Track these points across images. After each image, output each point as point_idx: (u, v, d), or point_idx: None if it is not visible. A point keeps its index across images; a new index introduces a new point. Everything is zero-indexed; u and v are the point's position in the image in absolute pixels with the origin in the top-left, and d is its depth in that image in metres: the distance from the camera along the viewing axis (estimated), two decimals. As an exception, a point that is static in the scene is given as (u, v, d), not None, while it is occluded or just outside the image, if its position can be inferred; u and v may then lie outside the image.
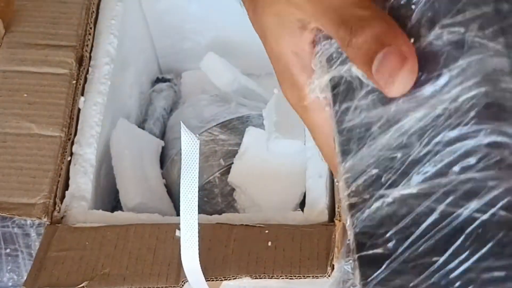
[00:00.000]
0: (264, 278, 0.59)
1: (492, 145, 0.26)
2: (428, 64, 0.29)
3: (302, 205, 0.74)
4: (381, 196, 0.30)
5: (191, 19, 0.90)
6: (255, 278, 0.59)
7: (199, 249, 0.60)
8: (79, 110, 0.73)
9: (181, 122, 0.55)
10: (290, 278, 0.59)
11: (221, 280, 0.60)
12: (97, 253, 0.63)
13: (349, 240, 0.71)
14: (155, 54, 0.95)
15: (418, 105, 0.29)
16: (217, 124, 0.79)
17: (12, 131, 0.70)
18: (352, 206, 0.32)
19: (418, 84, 0.29)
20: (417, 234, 0.28)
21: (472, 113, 0.27)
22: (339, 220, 0.64)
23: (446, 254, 0.27)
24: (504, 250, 0.26)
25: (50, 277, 0.62)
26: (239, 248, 0.62)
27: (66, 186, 0.70)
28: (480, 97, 0.27)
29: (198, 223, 0.64)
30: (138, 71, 0.89)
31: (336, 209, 0.64)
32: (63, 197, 0.69)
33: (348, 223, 0.32)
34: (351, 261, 0.72)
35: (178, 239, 0.62)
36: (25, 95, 0.72)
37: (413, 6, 0.30)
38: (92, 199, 0.70)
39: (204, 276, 0.59)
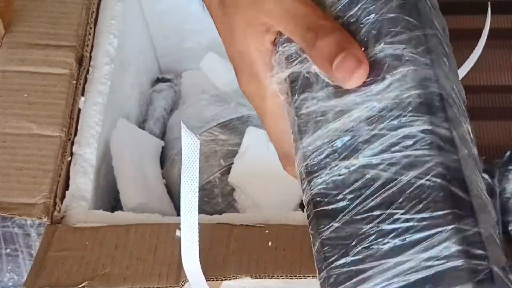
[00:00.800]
0: (265, 278, 0.59)
1: (425, 131, 0.36)
2: (374, 70, 0.38)
3: (302, 205, 0.74)
4: (336, 166, 0.38)
5: (191, 19, 0.90)
6: (256, 278, 0.59)
7: (199, 249, 0.60)
8: (79, 110, 0.73)
9: (181, 122, 0.55)
10: (291, 278, 0.59)
11: (221, 280, 0.60)
12: (98, 253, 0.63)
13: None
14: (155, 54, 0.95)
15: (367, 99, 0.38)
16: (217, 124, 0.80)
17: (12, 131, 0.70)
18: (309, 173, 0.38)
19: (367, 83, 0.38)
20: (366, 194, 0.36)
21: (410, 108, 0.36)
22: (340, 220, 0.64)
23: (390, 209, 0.35)
24: (435, 206, 0.34)
25: (50, 277, 0.62)
26: (240, 248, 0.62)
27: (66, 186, 0.70)
28: (415, 97, 0.37)
29: (199, 223, 0.64)
30: (138, 71, 0.89)
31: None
32: (63, 197, 0.69)
33: (304, 186, 0.39)
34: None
35: (178, 239, 0.62)
36: (25, 95, 0.72)
37: (361, 25, 0.39)
38: (92, 199, 0.70)
39: (204, 276, 0.59)
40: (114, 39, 0.78)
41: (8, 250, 0.72)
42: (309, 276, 0.59)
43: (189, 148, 0.54)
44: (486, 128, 0.92)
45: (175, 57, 0.95)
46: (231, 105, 0.82)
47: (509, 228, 0.86)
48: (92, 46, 0.77)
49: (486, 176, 0.88)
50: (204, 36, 0.91)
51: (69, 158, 0.70)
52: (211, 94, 0.86)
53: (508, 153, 0.90)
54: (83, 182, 0.70)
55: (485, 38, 0.80)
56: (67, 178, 0.70)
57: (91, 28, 0.76)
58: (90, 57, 0.76)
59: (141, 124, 0.88)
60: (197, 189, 0.55)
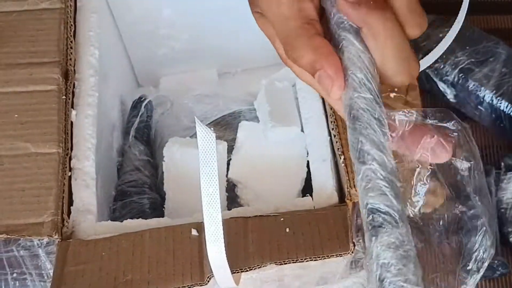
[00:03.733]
0: (289, 263, 0.60)
1: None
2: None
3: (303, 191, 0.75)
4: None
5: (164, 24, 0.90)
6: (280, 264, 0.60)
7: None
8: (71, 124, 0.72)
9: (195, 117, 0.55)
10: (315, 260, 0.60)
11: (246, 271, 0.60)
12: (116, 262, 0.63)
13: (356, 219, 0.72)
14: (130, 63, 0.95)
15: None
16: (210, 122, 0.80)
17: (8, 153, 0.69)
18: None
19: None
20: None
21: None
22: (350, 200, 0.65)
23: None
24: None
25: (72, 292, 0.61)
26: (259, 238, 0.62)
27: (70, 202, 0.69)
28: None
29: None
30: (118, 81, 0.88)
31: (346, 190, 0.65)
32: (69, 212, 0.68)
33: None
34: (360, 240, 0.73)
35: (195, 238, 0.62)
36: (16, 115, 0.71)
37: None
38: (98, 210, 0.69)
39: (231, 269, 0.59)
40: (95, 50, 0.77)
41: (15, 275, 0.71)
42: (333, 255, 0.60)
43: (205, 142, 0.55)
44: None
45: (150, 65, 0.95)
46: (219, 103, 0.82)
47: (510, 239, 0.87)
48: (75, 59, 0.76)
49: None
50: (178, 40, 0.91)
51: (69, 173, 0.70)
52: (195, 94, 0.86)
53: (503, 162, 0.91)
54: (86, 196, 0.69)
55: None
56: (70, 193, 0.69)
57: (71, 42, 0.76)
58: (74, 70, 0.76)
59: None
60: (217, 183, 0.55)
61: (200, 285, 0.60)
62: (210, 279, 0.60)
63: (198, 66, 0.94)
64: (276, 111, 0.74)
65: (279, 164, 0.75)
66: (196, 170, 0.73)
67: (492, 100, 0.91)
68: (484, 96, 0.91)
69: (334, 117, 0.69)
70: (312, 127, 0.71)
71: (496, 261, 0.84)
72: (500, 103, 0.91)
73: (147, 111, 0.89)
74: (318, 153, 0.69)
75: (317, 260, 0.60)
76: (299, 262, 0.60)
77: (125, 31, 0.91)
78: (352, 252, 0.60)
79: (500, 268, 0.85)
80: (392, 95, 0.76)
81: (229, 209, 0.73)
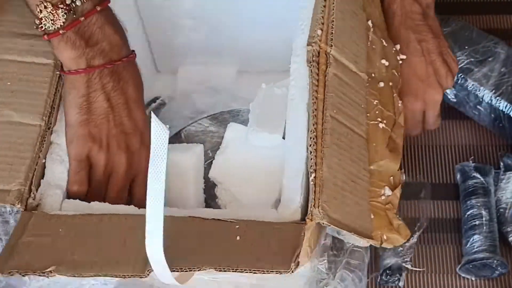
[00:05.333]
0: (228, 271, 0.59)
1: None
2: None
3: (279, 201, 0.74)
4: None
5: (186, 15, 0.90)
6: (220, 271, 0.60)
7: (168, 240, 0.60)
8: (60, 99, 0.74)
9: (151, 112, 0.55)
10: (254, 273, 0.59)
11: (186, 271, 0.60)
12: (69, 240, 0.64)
13: (325, 239, 0.71)
14: (150, 49, 0.96)
15: None
16: (208, 116, 0.81)
17: (-9, 118, 0.71)
18: None
19: None
20: None
21: None
22: (311, 220, 0.64)
23: None
24: None
25: (21, 260, 0.62)
26: (208, 241, 0.62)
27: (44, 176, 0.70)
28: None
29: (170, 216, 0.65)
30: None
31: (309, 208, 0.65)
32: (39, 185, 0.69)
33: None
34: (325, 261, 0.72)
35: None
36: (8, 83, 0.73)
37: None
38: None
39: (170, 266, 0.60)
40: (102, 31, 0.78)
41: (-12, 237, 0.73)
42: (273, 272, 0.59)
43: (158, 139, 0.55)
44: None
45: (170, 52, 0.96)
46: (223, 98, 0.83)
47: (510, 239, 0.87)
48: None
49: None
50: (198, 32, 0.92)
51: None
52: (206, 86, 0.87)
53: (502, 162, 0.90)
54: (59, 171, 0.71)
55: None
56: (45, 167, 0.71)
57: (78, 20, 0.77)
58: (76, 47, 0.77)
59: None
60: (164, 180, 0.55)
61: (140, 277, 0.60)
62: (150, 273, 0.60)
63: (218, 60, 0.94)
64: (264, 116, 0.74)
65: (261, 170, 0.74)
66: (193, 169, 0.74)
67: (491, 100, 0.90)
68: (483, 96, 0.91)
69: (315, 133, 0.68)
70: (292, 140, 0.70)
71: (495, 261, 0.84)
72: (499, 103, 0.90)
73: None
74: (292, 167, 0.69)
75: (255, 273, 0.59)
76: (238, 272, 0.59)
77: (147, 16, 0.92)
78: (292, 272, 0.59)
79: (499, 268, 0.84)
80: (381, 125, 0.75)
81: (206, 203, 0.73)
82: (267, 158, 0.75)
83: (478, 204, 0.87)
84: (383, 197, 0.72)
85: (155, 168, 0.55)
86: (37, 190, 0.68)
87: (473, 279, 0.85)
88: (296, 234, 0.62)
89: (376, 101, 0.76)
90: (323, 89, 0.70)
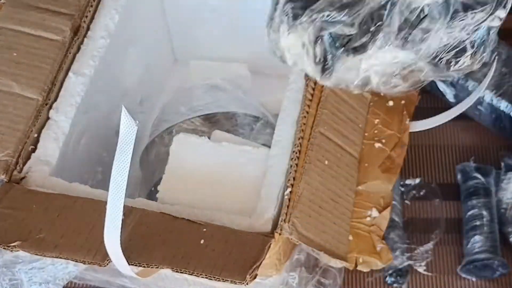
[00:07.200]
0: (185, 273, 0.59)
1: None
2: None
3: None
4: None
5: (207, 8, 0.90)
6: (176, 272, 0.60)
7: (133, 233, 0.61)
8: (65, 77, 0.74)
9: (123, 107, 0.55)
10: (209, 279, 0.59)
11: (143, 267, 0.60)
12: (39, 218, 0.64)
13: (298, 254, 0.70)
14: (169, 37, 0.96)
15: None
16: (201, 115, 0.80)
17: (-8, 85, 0.72)
18: None
19: None
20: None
21: None
22: (280, 234, 0.63)
23: None
24: None
25: (-11, 230, 0.64)
26: (172, 240, 0.62)
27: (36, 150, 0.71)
28: None
29: (142, 209, 0.65)
30: (146, 50, 0.90)
31: (279, 222, 0.64)
32: (29, 159, 0.70)
33: None
34: (295, 275, 0.71)
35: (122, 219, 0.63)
36: (15, 54, 0.74)
37: None
38: (58, 165, 0.71)
39: (129, 259, 0.60)
40: (116, 14, 0.79)
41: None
42: (227, 280, 0.59)
43: (127, 133, 0.55)
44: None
45: (188, 43, 0.96)
46: (223, 98, 0.82)
47: (510, 239, 0.85)
48: (93, 18, 0.78)
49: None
50: (216, 27, 0.92)
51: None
52: (211, 84, 0.86)
53: (503, 162, 0.89)
54: (51, 148, 0.71)
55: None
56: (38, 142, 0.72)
57: (94, 0, 0.78)
58: (88, 28, 0.78)
59: (138, 105, 0.90)
60: (127, 173, 0.55)
61: (100, 265, 0.61)
62: (109, 262, 0.61)
63: (233, 57, 0.93)
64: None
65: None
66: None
67: (492, 100, 0.89)
68: (484, 96, 0.89)
69: (299, 148, 0.67)
70: (276, 151, 0.69)
71: (496, 261, 0.83)
72: (500, 103, 0.88)
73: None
74: (272, 178, 0.68)
75: (211, 279, 0.59)
76: (194, 275, 0.59)
77: (169, 6, 0.92)
78: (247, 284, 0.59)
79: (500, 269, 0.83)
80: (377, 145, 0.73)
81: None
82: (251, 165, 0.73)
83: (479, 205, 0.86)
84: (368, 219, 0.71)
85: (120, 161, 0.55)
86: (24, 163, 0.70)
87: (474, 279, 0.84)
88: (260, 246, 0.62)
89: (377, 120, 0.74)
90: (316, 104, 0.69)
